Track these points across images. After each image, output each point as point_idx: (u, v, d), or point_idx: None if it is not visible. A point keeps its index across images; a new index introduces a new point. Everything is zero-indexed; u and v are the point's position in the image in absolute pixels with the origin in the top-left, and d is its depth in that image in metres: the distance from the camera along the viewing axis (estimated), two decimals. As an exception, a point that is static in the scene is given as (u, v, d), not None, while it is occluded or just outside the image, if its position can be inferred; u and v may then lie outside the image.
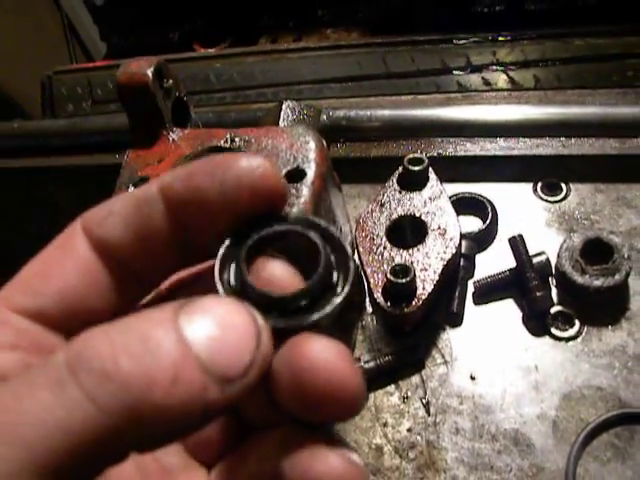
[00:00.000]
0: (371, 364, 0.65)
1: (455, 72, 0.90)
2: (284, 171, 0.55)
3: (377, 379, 0.65)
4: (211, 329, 0.25)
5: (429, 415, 0.63)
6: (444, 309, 0.67)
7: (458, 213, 0.70)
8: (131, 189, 0.59)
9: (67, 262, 0.31)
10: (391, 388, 0.65)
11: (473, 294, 0.69)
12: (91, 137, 0.87)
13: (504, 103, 0.80)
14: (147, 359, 0.24)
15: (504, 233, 0.72)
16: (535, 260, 0.67)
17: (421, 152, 0.73)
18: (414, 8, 1.12)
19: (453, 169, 0.77)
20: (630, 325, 0.65)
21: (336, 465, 0.28)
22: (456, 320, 0.67)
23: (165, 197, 0.31)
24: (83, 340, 0.24)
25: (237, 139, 0.59)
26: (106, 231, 0.31)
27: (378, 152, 0.79)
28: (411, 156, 0.70)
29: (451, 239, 0.65)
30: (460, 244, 0.66)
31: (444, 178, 0.72)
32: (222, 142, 0.59)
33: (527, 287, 0.65)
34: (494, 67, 0.89)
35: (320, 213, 0.56)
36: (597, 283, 0.64)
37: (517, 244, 0.67)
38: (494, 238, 0.72)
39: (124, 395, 0.23)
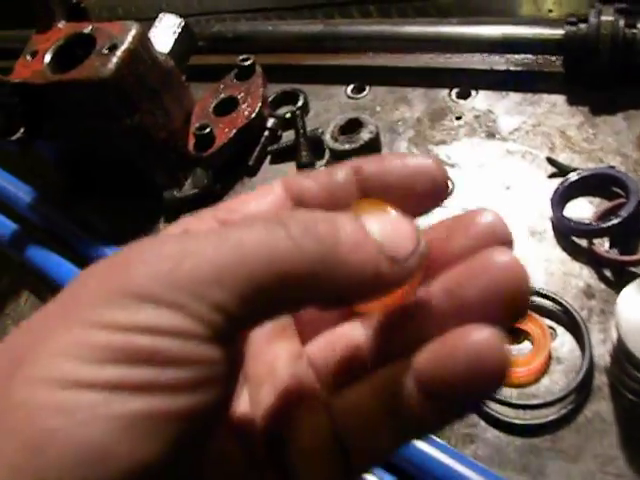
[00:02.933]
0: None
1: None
2: (107, 45, 0.83)
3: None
4: (384, 224, 0.30)
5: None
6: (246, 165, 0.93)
7: (281, 103, 0.96)
8: (28, 57, 0.89)
9: (264, 196, 0.35)
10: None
11: (270, 156, 0.94)
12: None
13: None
14: (334, 227, 0.28)
15: (312, 119, 0.95)
16: (311, 133, 0.90)
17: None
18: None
19: (288, 75, 1.02)
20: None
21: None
22: (251, 172, 0.92)
23: (354, 169, 0.34)
24: (287, 212, 0.31)
25: (93, 28, 0.88)
26: (299, 182, 0.35)
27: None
28: (242, 56, 0.95)
29: (250, 112, 0.91)
30: (261, 117, 0.91)
31: (282, 81, 0.98)
32: (85, 30, 0.88)
33: (299, 150, 0.89)
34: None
35: (128, 79, 0.83)
36: (342, 147, 0.86)
37: (296, 120, 0.91)
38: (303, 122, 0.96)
39: (318, 243, 0.27)
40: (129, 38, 0.83)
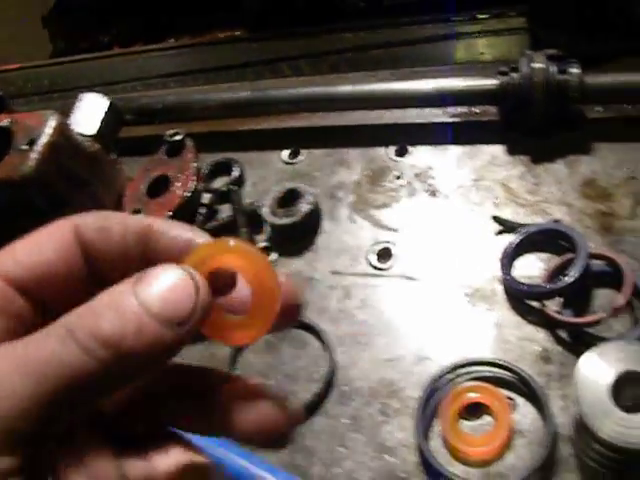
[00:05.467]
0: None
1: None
2: (25, 140, 0.79)
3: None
4: (159, 289, 0.32)
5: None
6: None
7: (215, 175, 0.93)
8: None
9: (53, 239, 0.36)
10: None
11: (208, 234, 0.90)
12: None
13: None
14: (118, 321, 0.31)
15: (249, 190, 0.92)
16: (249, 208, 0.87)
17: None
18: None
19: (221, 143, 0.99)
20: (311, 255, 0.84)
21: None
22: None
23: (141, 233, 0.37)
24: (75, 314, 0.32)
25: (10, 121, 0.84)
26: (93, 235, 0.37)
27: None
28: (170, 131, 0.92)
29: (184, 191, 0.87)
30: (196, 194, 0.88)
31: (215, 150, 0.95)
32: (1, 124, 0.84)
33: (237, 227, 0.86)
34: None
35: (51, 174, 0.79)
36: (280, 221, 0.83)
37: (232, 195, 0.88)
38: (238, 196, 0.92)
39: (107, 346, 0.31)
40: (48, 130, 0.79)
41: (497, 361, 0.69)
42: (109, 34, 1.39)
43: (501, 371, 0.69)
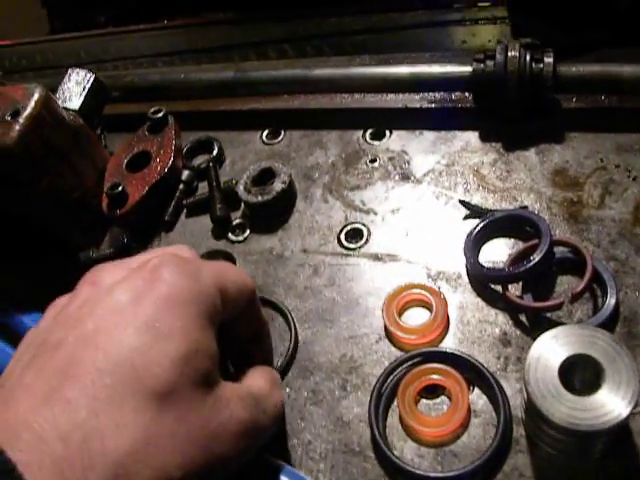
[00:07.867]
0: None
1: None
2: (9, 111, 0.81)
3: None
4: None
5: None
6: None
7: (196, 153, 0.95)
8: None
9: None
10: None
11: (187, 210, 0.92)
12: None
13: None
14: None
15: (228, 168, 0.94)
16: (225, 185, 0.89)
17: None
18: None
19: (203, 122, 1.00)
20: (283, 233, 0.85)
21: None
22: (168, 227, 0.90)
23: None
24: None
25: (-6, 92, 0.85)
26: None
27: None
28: (153, 109, 0.94)
29: (162, 167, 0.89)
30: (175, 171, 0.90)
31: (197, 128, 0.96)
32: (-12, 94, 0.86)
33: (213, 203, 0.88)
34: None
35: (33, 145, 0.81)
36: (254, 199, 0.85)
37: (210, 172, 0.89)
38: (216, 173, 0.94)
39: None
40: (32, 103, 0.81)
41: (454, 351, 0.70)
42: (106, 14, 1.40)
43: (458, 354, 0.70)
